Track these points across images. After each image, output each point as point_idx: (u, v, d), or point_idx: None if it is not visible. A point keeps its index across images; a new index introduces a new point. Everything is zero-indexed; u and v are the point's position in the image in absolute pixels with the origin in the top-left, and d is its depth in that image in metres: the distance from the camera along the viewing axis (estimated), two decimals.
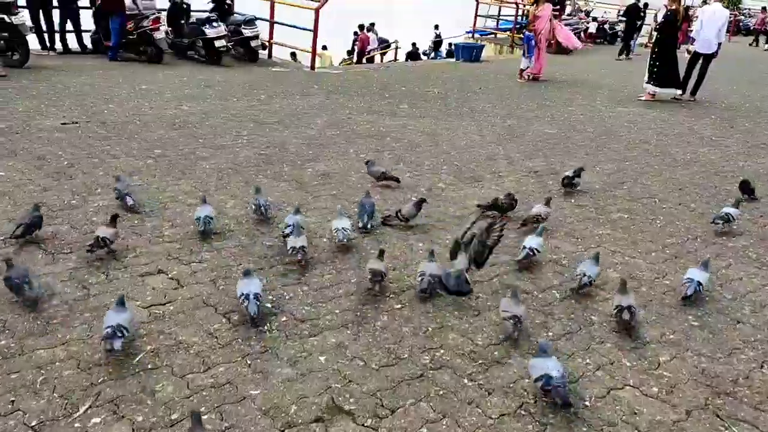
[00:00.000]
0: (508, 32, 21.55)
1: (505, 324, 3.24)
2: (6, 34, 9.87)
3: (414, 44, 24.28)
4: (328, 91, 10.78)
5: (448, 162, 6.65)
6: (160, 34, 11.87)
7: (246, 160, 6.19)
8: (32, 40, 11.60)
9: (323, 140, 7.22)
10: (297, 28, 13.99)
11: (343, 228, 4.14)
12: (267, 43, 14.62)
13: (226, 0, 14.00)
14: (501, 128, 8.54)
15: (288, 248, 3.91)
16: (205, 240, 4.22)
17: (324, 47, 21.88)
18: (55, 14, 11.85)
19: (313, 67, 13.92)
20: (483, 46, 19.15)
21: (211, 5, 13.78)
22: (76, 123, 7.04)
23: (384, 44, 24.31)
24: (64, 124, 6.96)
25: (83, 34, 12.36)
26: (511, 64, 15.60)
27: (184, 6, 13.10)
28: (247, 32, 13.20)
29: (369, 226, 4.50)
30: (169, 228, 4.40)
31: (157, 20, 11.79)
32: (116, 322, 2.88)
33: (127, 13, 11.71)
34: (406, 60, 22.92)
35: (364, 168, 5.79)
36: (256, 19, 13.71)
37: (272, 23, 14.24)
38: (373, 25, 23.63)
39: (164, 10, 12.90)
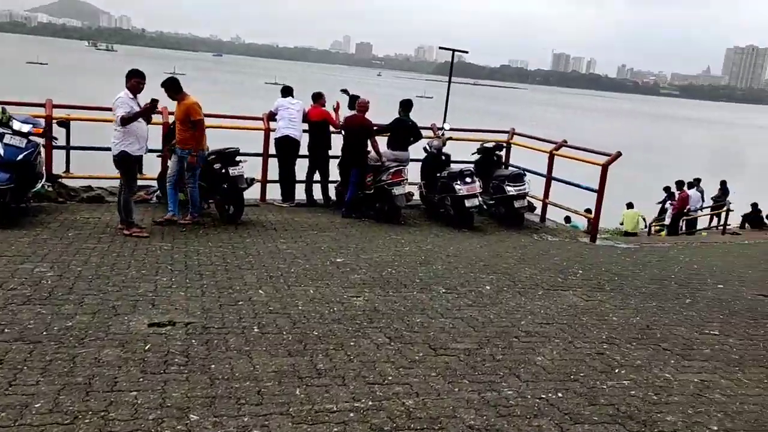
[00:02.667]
0: None
1: None
2: (225, 185, 8.88)
3: (755, 206, 18.78)
4: (595, 284, 7.32)
5: None
6: (398, 190, 9.95)
7: None
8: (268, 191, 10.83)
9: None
10: (578, 186, 10.99)
11: None
12: (537, 203, 11.82)
13: (496, 151, 11.76)
14: None
15: None
16: None
17: (629, 205, 18.14)
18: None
19: (593, 239, 10.58)
20: None
21: (476, 156, 11.69)
22: (173, 325, 4.97)
23: (716, 203, 19.42)
24: (154, 324, 4.94)
25: (329, 185, 11.16)
26: None
27: (443, 157, 11.12)
28: (510, 190, 10.62)
29: None
30: None
31: (398, 173, 9.96)
32: None
33: (371, 164, 10.19)
34: (742, 226, 17.70)
35: None
36: (527, 173, 11.14)
37: (549, 179, 11.43)
38: (698, 181, 19.07)
39: (419, 160, 11.14)
